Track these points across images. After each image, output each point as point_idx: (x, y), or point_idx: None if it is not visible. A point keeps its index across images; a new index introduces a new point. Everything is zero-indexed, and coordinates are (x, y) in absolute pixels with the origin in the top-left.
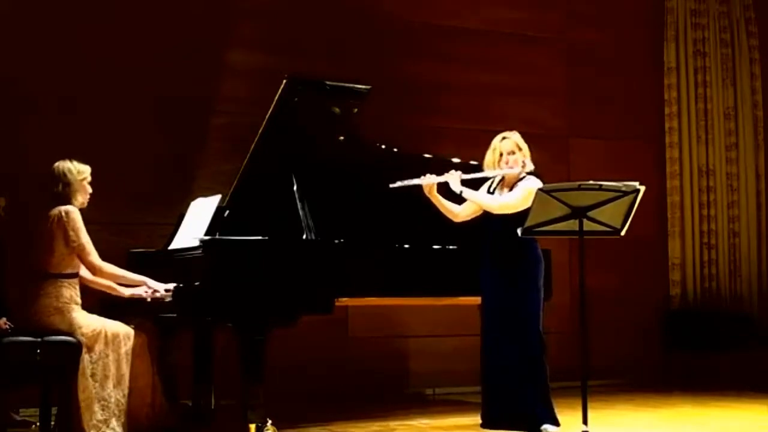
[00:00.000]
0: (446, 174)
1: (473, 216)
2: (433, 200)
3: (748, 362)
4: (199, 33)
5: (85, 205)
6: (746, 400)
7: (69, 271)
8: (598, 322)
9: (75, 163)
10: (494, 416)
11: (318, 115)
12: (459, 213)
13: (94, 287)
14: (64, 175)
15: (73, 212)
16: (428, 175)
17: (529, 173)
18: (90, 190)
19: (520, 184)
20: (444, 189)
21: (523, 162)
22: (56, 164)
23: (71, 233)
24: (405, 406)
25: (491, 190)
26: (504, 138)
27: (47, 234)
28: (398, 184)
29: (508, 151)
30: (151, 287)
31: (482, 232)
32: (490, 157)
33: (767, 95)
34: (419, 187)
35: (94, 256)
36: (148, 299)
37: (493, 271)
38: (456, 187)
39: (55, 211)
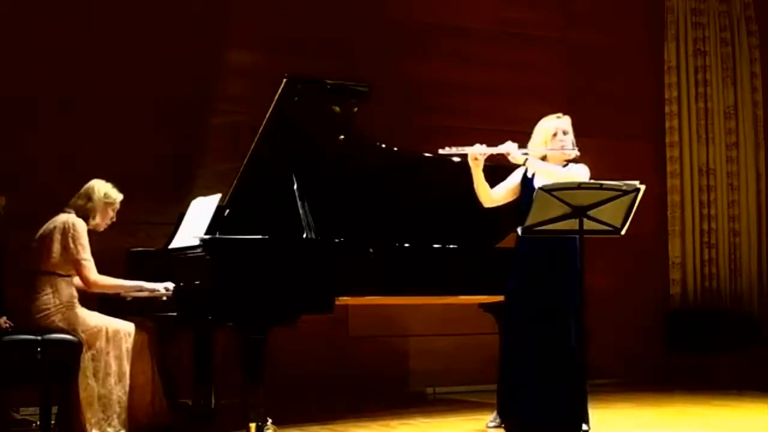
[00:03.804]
0: (502, 145)
1: (504, 202)
2: (476, 174)
3: (748, 361)
4: (199, 33)
5: (101, 228)
6: (747, 400)
7: (65, 272)
8: (598, 321)
9: (109, 185)
10: (524, 418)
11: (318, 114)
12: (493, 196)
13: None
14: (92, 191)
15: (80, 226)
16: (478, 145)
17: (572, 160)
18: (113, 217)
19: (573, 164)
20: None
21: (573, 143)
22: (92, 180)
23: (72, 246)
24: (405, 405)
25: (530, 173)
26: (558, 117)
27: (49, 237)
28: (447, 150)
29: (563, 130)
30: (148, 289)
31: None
32: (541, 136)
33: (767, 94)
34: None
35: (91, 272)
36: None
37: (532, 268)
38: (519, 157)
39: (63, 217)
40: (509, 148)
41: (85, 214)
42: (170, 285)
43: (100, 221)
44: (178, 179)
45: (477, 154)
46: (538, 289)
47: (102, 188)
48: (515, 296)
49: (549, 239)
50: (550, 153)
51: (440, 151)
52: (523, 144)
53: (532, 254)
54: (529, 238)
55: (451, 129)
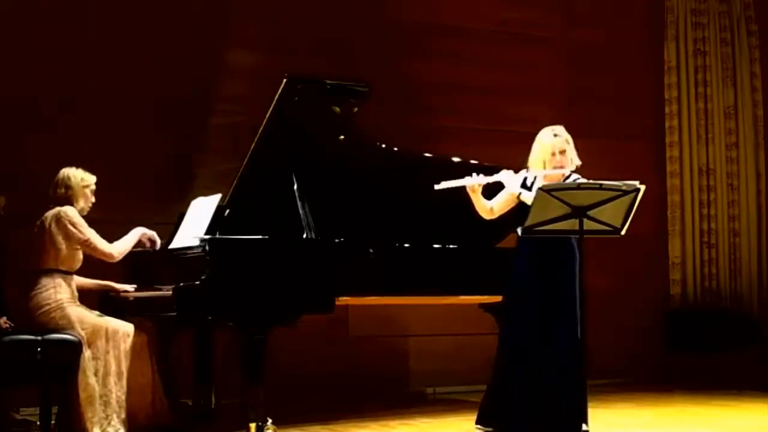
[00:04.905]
0: (498, 174)
1: (504, 212)
2: (474, 198)
3: (748, 361)
4: (199, 33)
5: (86, 212)
6: (746, 400)
7: (65, 268)
8: (598, 321)
9: (80, 170)
10: (522, 425)
11: (318, 114)
12: (494, 209)
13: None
14: (68, 179)
15: (71, 210)
16: (476, 176)
17: (573, 171)
18: (92, 199)
19: (577, 176)
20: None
21: (571, 159)
22: (62, 170)
23: (74, 230)
24: (405, 405)
25: (529, 186)
26: (555, 135)
27: (46, 233)
28: (444, 185)
29: (560, 150)
30: (147, 233)
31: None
32: (539, 154)
33: (767, 94)
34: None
35: (102, 244)
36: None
37: (531, 271)
38: (515, 188)
39: (54, 210)
40: (505, 179)
41: (68, 202)
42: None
43: (84, 205)
44: (178, 179)
45: (474, 185)
46: (540, 290)
47: (77, 174)
48: (517, 298)
49: (548, 240)
50: (549, 173)
51: (436, 187)
52: (522, 145)
53: (532, 254)
54: (529, 239)
55: (451, 129)
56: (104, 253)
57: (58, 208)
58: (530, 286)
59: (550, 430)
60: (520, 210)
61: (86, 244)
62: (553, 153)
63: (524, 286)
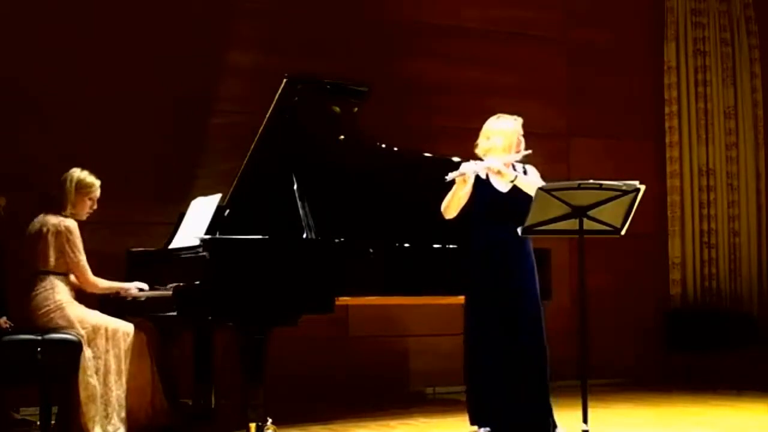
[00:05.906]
0: (486, 162)
1: (463, 203)
2: (458, 189)
3: (748, 361)
4: (199, 33)
5: (82, 217)
6: (746, 400)
7: (62, 270)
8: (598, 321)
9: (84, 173)
10: (501, 423)
11: (318, 114)
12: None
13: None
14: (62, 181)
15: (75, 230)
16: (470, 163)
17: (520, 161)
18: (91, 204)
19: (528, 168)
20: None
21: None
22: (70, 170)
23: (68, 249)
24: (405, 405)
25: (485, 178)
26: (516, 119)
27: (42, 238)
28: (451, 175)
29: (522, 134)
30: (133, 286)
31: (479, 229)
32: (507, 140)
33: (767, 94)
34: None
35: (89, 274)
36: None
37: (494, 270)
38: (509, 174)
39: (55, 220)
40: (496, 165)
41: (57, 205)
42: (143, 285)
43: (75, 210)
44: (178, 179)
45: (467, 173)
46: (500, 289)
47: (75, 176)
48: (478, 298)
49: (501, 237)
50: (513, 158)
51: (447, 178)
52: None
53: (485, 252)
54: (482, 237)
55: (451, 129)
56: (87, 281)
57: (61, 222)
58: (490, 287)
59: (521, 428)
60: (475, 208)
61: (75, 265)
62: (518, 138)
63: (484, 287)
